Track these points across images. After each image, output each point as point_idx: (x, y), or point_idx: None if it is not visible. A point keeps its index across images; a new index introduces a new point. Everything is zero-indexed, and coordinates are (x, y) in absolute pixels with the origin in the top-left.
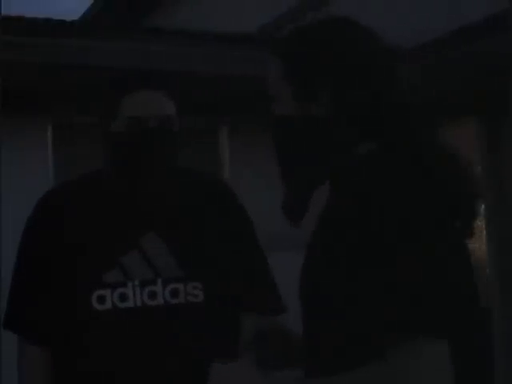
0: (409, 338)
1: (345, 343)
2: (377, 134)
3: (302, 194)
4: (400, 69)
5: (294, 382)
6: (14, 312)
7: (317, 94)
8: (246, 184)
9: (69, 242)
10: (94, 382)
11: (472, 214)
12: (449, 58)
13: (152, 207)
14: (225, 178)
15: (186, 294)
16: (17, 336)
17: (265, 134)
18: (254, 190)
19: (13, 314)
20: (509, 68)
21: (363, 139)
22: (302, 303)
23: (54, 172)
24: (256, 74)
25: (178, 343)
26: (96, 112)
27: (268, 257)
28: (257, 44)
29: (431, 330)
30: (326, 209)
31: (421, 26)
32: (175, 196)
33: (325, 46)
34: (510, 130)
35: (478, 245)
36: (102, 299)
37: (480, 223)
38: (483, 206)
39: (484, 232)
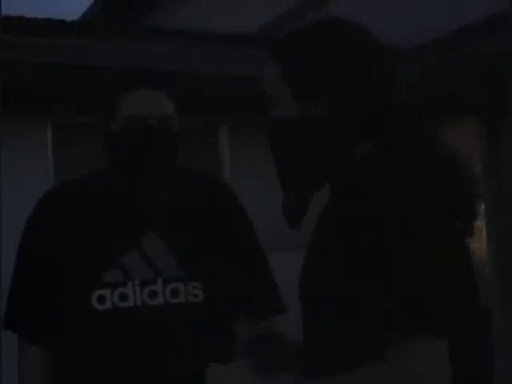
0: (409, 338)
1: (345, 343)
2: (377, 133)
3: (301, 197)
4: (400, 69)
5: (293, 382)
6: (14, 312)
7: (316, 94)
8: (246, 184)
9: (69, 241)
10: (94, 382)
11: (472, 213)
12: (449, 58)
13: (152, 207)
14: (225, 178)
15: (186, 293)
16: (17, 336)
17: (265, 134)
18: (254, 190)
19: (13, 314)
20: (509, 68)
21: (363, 139)
22: (302, 303)
23: (54, 172)
24: (256, 73)
25: (178, 343)
26: (96, 112)
27: (268, 257)
28: (257, 44)
29: (431, 330)
30: (326, 209)
31: (421, 26)
32: (175, 196)
33: (324, 46)
34: (510, 130)
35: (478, 245)
36: (102, 299)
37: (480, 223)
38: (483, 206)
39: (484, 232)
